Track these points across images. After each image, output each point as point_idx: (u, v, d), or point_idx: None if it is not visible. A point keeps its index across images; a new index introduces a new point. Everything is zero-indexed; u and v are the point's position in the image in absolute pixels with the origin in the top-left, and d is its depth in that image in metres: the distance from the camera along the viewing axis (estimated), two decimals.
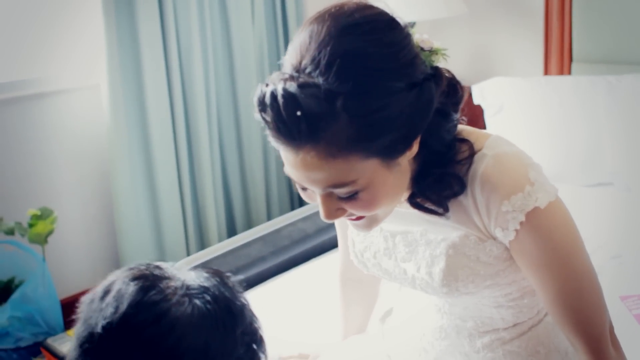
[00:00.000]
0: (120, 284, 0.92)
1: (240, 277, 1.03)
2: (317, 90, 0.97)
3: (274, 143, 1.04)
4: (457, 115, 1.14)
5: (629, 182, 2.68)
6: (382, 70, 1.00)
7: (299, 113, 0.97)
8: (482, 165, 1.12)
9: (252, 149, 3.44)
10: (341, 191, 1.05)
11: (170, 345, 0.86)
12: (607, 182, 2.75)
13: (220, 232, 3.34)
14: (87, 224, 3.12)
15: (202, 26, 3.14)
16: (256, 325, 0.97)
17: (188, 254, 3.19)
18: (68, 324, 2.97)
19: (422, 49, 1.09)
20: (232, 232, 3.44)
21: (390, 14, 1.06)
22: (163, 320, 0.87)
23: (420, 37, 1.10)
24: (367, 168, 1.03)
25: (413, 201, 1.17)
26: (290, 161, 1.04)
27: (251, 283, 2.25)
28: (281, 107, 0.97)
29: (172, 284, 0.91)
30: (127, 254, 3.07)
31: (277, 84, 0.99)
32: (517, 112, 2.91)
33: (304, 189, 1.10)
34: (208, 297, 0.91)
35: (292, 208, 3.66)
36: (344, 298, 1.61)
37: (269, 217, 3.53)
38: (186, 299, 0.89)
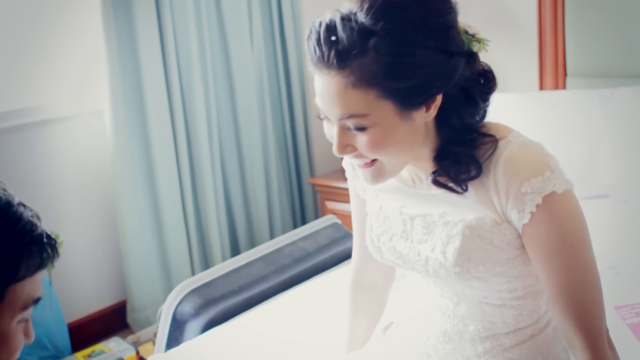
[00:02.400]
0: None
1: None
2: (354, 24, 1.10)
3: (310, 67, 1.17)
4: (484, 105, 1.23)
5: (625, 194, 2.71)
6: (416, 24, 1.12)
7: (333, 38, 1.11)
8: (507, 150, 1.20)
9: (254, 170, 3.49)
10: (353, 122, 1.15)
11: None
12: (603, 194, 2.78)
13: (224, 252, 3.38)
14: (92, 247, 3.16)
15: (202, 48, 3.21)
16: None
17: (193, 274, 3.23)
18: (75, 346, 3.01)
19: (466, 31, 1.20)
20: (235, 251, 3.48)
21: None
22: None
23: (467, 23, 1.21)
24: (380, 107, 1.14)
25: (435, 179, 1.25)
26: (319, 87, 1.17)
27: (253, 302, 2.28)
28: (321, 32, 1.12)
29: None
30: (133, 276, 3.11)
31: (326, 15, 1.14)
32: (513, 127, 2.94)
33: (326, 120, 1.22)
34: None
35: (295, 227, 3.70)
36: (353, 304, 1.63)
37: (272, 237, 3.57)
38: None
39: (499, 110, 3.01)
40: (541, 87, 3.26)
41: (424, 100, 1.16)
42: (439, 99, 1.17)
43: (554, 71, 3.19)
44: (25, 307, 0.99)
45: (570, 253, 1.19)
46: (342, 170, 3.47)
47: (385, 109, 1.14)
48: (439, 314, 1.39)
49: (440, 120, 1.21)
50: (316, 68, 1.15)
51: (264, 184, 3.55)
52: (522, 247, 1.25)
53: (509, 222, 1.22)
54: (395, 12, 1.11)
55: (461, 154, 1.21)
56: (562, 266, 1.19)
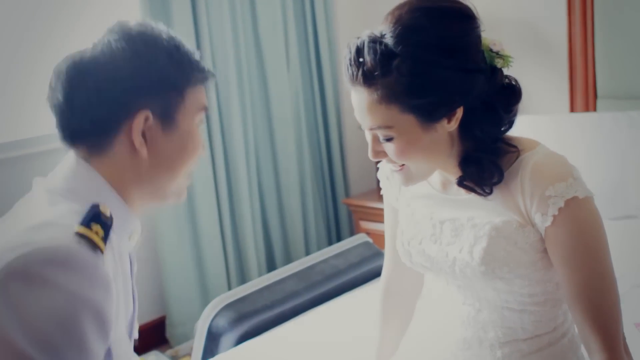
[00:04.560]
0: None
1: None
2: (380, 46, 1.22)
3: (346, 83, 1.29)
4: (508, 116, 1.32)
5: None
6: (434, 46, 1.22)
7: (360, 60, 1.24)
8: (534, 158, 1.29)
9: (290, 190, 3.59)
10: (381, 132, 1.28)
11: None
12: (632, 214, 2.81)
13: (260, 270, 3.47)
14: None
15: (239, 71, 3.33)
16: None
17: (229, 289, 3.33)
18: None
19: (490, 49, 1.30)
20: (272, 269, 3.57)
21: (465, 9, 1.27)
22: None
23: (492, 40, 1.31)
24: (403, 120, 1.25)
25: (461, 182, 1.34)
26: (353, 101, 1.30)
27: (286, 316, 2.36)
28: (352, 53, 1.25)
29: None
30: (172, 293, 3.22)
31: (361, 36, 1.26)
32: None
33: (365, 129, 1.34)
34: None
35: (330, 245, 3.78)
36: (383, 310, 1.70)
37: (307, 255, 3.65)
38: None
39: (531, 131, 3.05)
40: (572, 109, 3.30)
41: (444, 114, 1.26)
42: (459, 111, 1.27)
43: (584, 93, 3.23)
44: (200, 110, 1.22)
45: (588, 256, 1.27)
46: (376, 191, 3.55)
47: (408, 122, 1.26)
48: (459, 322, 1.46)
49: (465, 130, 1.31)
50: (350, 84, 1.28)
51: (300, 204, 3.64)
52: (544, 251, 1.32)
53: (533, 225, 1.30)
54: (415, 35, 1.22)
55: (484, 160, 1.31)
56: (581, 269, 1.27)
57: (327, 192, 3.85)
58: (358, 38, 1.26)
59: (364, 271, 2.59)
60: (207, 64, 3.09)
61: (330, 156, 3.85)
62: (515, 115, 1.35)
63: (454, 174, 1.37)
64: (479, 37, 1.29)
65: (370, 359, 1.73)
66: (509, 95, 1.32)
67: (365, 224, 3.62)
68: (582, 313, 1.29)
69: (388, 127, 1.26)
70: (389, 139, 1.28)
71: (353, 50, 1.25)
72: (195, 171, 3.16)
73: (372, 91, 1.24)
